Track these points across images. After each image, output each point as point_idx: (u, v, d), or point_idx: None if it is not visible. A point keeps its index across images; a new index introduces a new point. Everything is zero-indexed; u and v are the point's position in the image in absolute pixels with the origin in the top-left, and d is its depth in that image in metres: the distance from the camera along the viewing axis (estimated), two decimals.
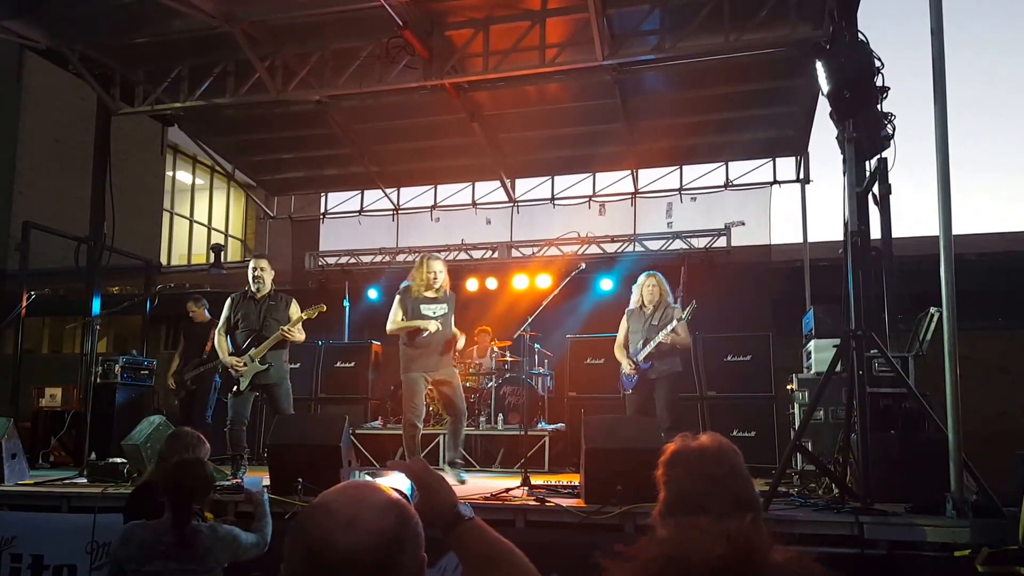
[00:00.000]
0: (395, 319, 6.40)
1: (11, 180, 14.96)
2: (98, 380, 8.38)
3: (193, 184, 19.15)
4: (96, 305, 8.94)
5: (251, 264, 6.69)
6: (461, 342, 6.91)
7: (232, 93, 8.36)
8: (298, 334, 6.53)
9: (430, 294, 6.38)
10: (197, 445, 4.01)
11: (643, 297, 6.84)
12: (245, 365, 6.39)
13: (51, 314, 13.77)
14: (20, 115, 15.15)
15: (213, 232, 19.07)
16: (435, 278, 6.36)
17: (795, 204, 9.93)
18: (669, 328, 6.50)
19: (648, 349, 6.62)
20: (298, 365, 9.43)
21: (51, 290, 9.12)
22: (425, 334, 6.23)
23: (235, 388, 6.46)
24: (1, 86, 15.07)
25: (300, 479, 5.22)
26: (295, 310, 6.57)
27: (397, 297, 6.47)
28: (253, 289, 6.58)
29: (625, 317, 6.99)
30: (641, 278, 6.95)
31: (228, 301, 6.70)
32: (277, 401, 6.60)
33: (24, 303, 8.42)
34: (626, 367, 6.76)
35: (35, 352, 14.56)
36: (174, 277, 14.06)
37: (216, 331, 6.70)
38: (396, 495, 1.32)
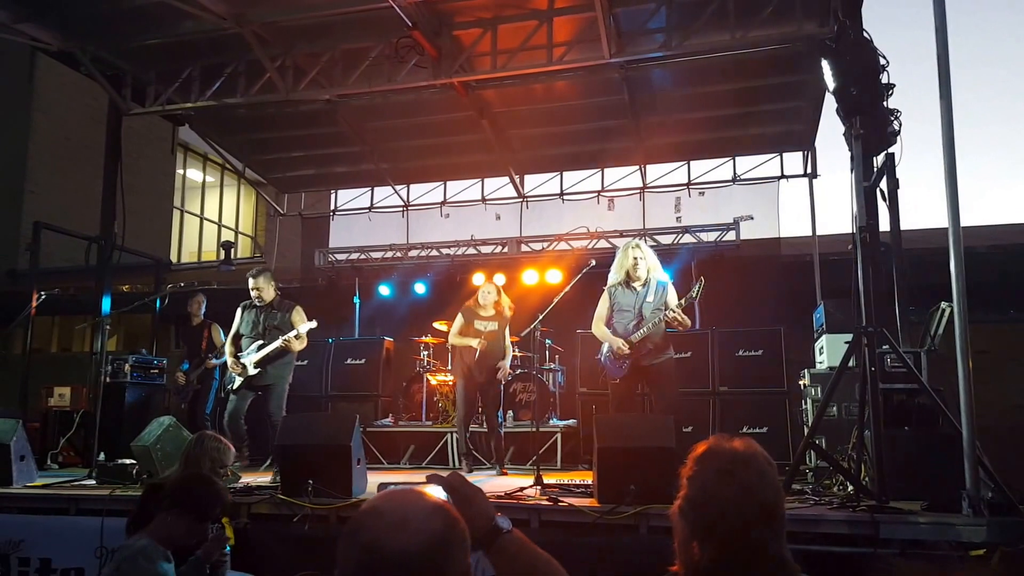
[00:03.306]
0: (453, 332, 7.48)
1: (22, 180, 15.03)
2: (108, 379, 8.38)
3: (204, 182, 19.20)
4: (106, 304, 8.99)
5: (251, 284, 7.08)
6: (507, 361, 7.46)
7: (243, 93, 8.40)
8: (297, 343, 6.96)
9: (482, 312, 7.41)
10: (225, 450, 4.04)
11: (629, 270, 6.05)
12: (244, 368, 6.82)
13: (61, 313, 13.83)
14: (31, 116, 15.21)
15: (223, 229, 19.14)
16: (484, 298, 7.41)
17: (803, 198, 9.90)
18: (675, 305, 5.83)
19: (643, 331, 5.87)
20: (306, 363, 9.47)
21: (61, 289, 9.15)
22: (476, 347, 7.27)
23: (231, 385, 6.93)
24: (13, 87, 15.13)
25: (310, 480, 5.22)
26: (299, 315, 7.03)
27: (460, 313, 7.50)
28: (255, 301, 7.04)
29: (607, 293, 6.23)
30: (625, 248, 6.18)
31: (239, 309, 7.21)
32: (266, 403, 6.95)
33: (34, 303, 8.46)
34: (619, 347, 5.91)
35: (44, 351, 14.61)
36: (184, 275, 14.11)
37: (228, 339, 7.17)
38: (441, 500, 1.35)
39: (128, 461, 6.36)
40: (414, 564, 1.20)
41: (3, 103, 15.28)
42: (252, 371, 6.81)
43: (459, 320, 7.48)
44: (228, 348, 7.08)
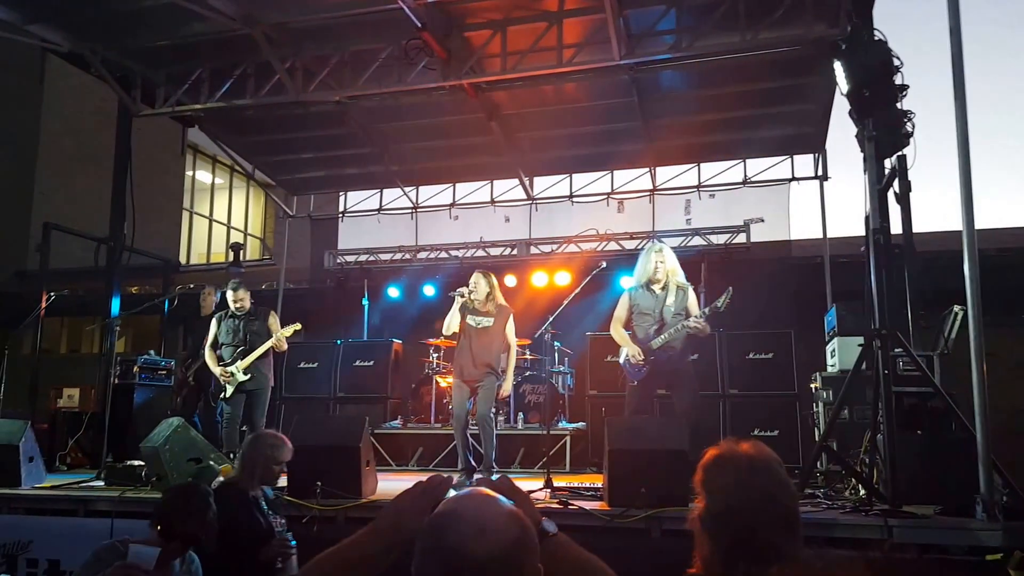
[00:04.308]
0: (447, 325, 6.81)
1: (32, 181, 15.11)
2: (116, 381, 8.39)
3: (213, 183, 19.28)
4: (115, 305, 9.00)
5: (231, 297, 7.33)
6: (508, 377, 6.86)
7: (252, 94, 8.38)
8: (283, 344, 7.37)
9: (477, 306, 6.72)
10: (280, 446, 4.04)
11: (650, 272, 6.00)
12: (232, 375, 7.12)
13: (70, 314, 13.88)
14: (41, 117, 15.29)
15: (232, 231, 19.20)
16: (472, 288, 6.72)
17: (814, 200, 9.84)
18: (699, 315, 5.81)
19: (665, 337, 5.84)
20: (315, 364, 9.48)
21: (70, 290, 9.19)
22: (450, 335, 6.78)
23: (223, 394, 7.28)
24: (23, 88, 15.21)
25: (319, 482, 5.23)
26: (275, 321, 7.38)
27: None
28: (235, 312, 7.32)
29: (627, 294, 6.16)
30: (647, 251, 6.15)
31: (214, 320, 7.49)
32: (252, 408, 7.26)
33: (43, 304, 8.49)
34: (633, 355, 5.88)
35: (53, 352, 14.68)
36: (193, 276, 14.14)
37: (206, 347, 7.42)
38: (511, 505, 1.38)
39: (137, 463, 6.37)
40: (495, 568, 1.24)
41: (13, 105, 15.36)
42: (243, 377, 7.15)
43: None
44: (210, 359, 7.34)
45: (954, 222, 4.58)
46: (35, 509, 5.77)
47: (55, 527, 5.49)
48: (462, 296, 6.75)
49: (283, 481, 5.64)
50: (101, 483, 6.40)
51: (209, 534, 3.36)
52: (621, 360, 6.16)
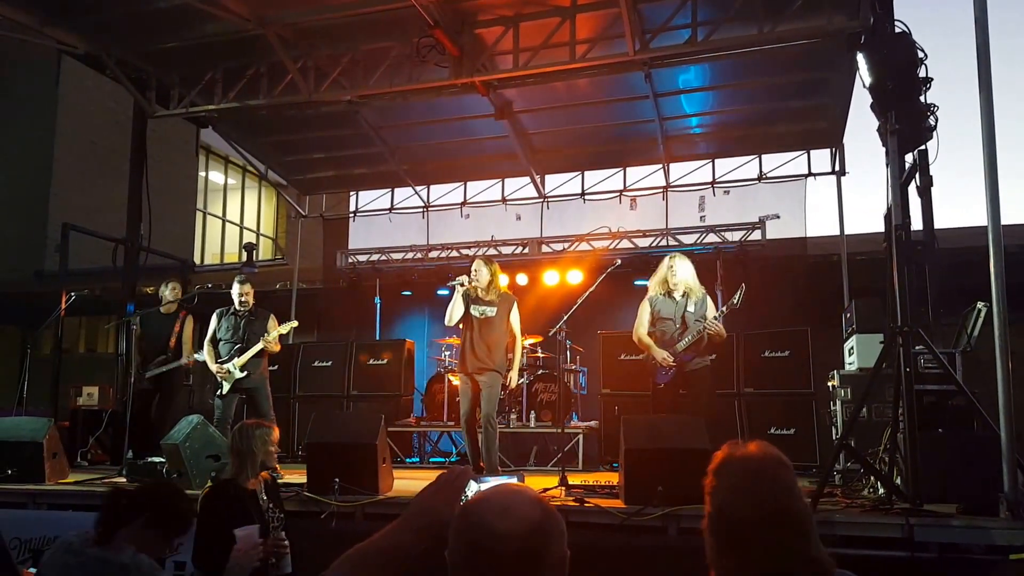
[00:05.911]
0: (450, 315, 6.63)
1: (48, 182, 15.20)
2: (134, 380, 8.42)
3: (225, 184, 19.33)
4: (133, 305, 9.04)
5: (238, 290, 7.29)
6: (515, 369, 6.79)
7: (265, 95, 8.41)
8: (275, 345, 7.28)
9: (480, 294, 6.57)
10: (269, 429, 4.04)
11: (670, 281, 6.34)
12: (229, 372, 7.07)
13: (88, 314, 13.96)
14: (57, 119, 15.38)
15: (245, 231, 19.26)
16: (474, 276, 6.59)
17: (830, 196, 9.74)
18: (716, 315, 6.17)
19: (688, 339, 6.16)
20: (329, 364, 9.50)
21: (88, 290, 9.23)
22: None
23: (219, 392, 7.20)
24: (39, 90, 15.31)
25: (336, 478, 5.26)
26: (273, 323, 7.33)
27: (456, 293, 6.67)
28: (239, 308, 7.28)
29: (648, 303, 6.46)
30: (667, 261, 6.45)
31: (214, 316, 7.41)
32: (258, 403, 7.26)
33: (64, 304, 8.53)
34: (663, 359, 6.19)
35: (72, 351, 14.78)
36: (208, 276, 14.19)
37: (205, 342, 7.36)
38: (540, 495, 1.50)
39: (158, 459, 6.44)
40: (517, 544, 1.34)
41: (30, 107, 15.47)
42: (239, 374, 7.11)
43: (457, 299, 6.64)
44: (208, 354, 7.28)
45: (973, 217, 4.52)
46: (59, 504, 5.87)
47: (79, 521, 5.52)
48: (463, 284, 6.61)
49: (300, 477, 5.73)
50: (123, 479, 6.47)
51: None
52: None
